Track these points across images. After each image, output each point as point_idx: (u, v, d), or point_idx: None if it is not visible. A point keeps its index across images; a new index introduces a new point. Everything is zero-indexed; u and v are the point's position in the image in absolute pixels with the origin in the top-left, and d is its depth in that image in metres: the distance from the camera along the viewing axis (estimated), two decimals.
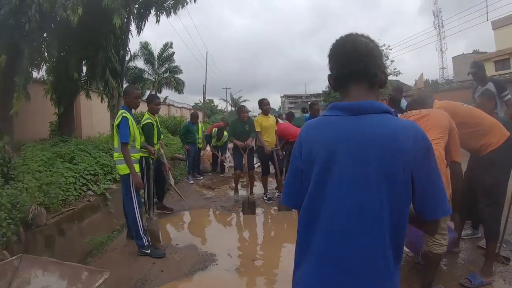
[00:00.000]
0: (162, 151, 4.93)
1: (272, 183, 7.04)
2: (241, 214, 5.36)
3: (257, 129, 5.92)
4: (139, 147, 3.95)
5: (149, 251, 3.67)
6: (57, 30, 6.97)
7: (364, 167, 1.03)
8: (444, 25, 34.83)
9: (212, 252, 3.77)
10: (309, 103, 8.17)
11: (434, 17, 35.81)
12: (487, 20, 19.41)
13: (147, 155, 4.29)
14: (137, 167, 3.77)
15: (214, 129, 9.55)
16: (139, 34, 9.13)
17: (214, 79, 76.39)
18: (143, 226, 3.74)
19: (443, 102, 3.19)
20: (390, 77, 33.07)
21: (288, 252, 3.86)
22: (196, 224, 5.13)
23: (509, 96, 4.45)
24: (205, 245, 4.07)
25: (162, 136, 5.23)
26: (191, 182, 8.01)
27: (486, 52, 22.12)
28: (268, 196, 6.09)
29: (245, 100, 51.69)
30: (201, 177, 8.59)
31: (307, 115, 8.18)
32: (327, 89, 32.49)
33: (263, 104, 6.09)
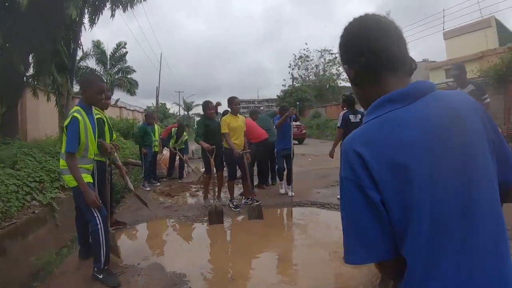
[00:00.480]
0: (116, 153, 4.18)
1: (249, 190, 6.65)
2: (207, 224, 4.91)
3: (224, 130, 5.51)
4: (92, 156, 3.20)
5: (101, 277, 3.04)
6: (2, 15, 6.20)
7: (468, 159, 0.80)
8: None
9: (182, 272, 3.28)
10: (279, 106, 7.99)
11: None
12: (443, 30, 20.64)
13: (102, 158, 3.72)
14: (87, 178, 3.10)
15: (173, 128, 9.00)
16: (92, 28, 8.45)
17: (167, 82, 75.20)
18: (105, 246, 3.10)
19: None
20: (343, 84, 34.41)
21: (265, 265, 3.58)
22: (158, 238, 4.59)
23: (488, 100, 4.64)
24: (172, 263, 3.56)
25: (115, 136, 4.57)
26: (148, 189, 7.41)
27: (435, 61, 23.37)
28: (234, 203, 5.68)
29: (198, 104, 51.30)
30: (158, 184, 8.00)
31: (265, 116, 7.95)
32: (281, 94, 32.78)
33: (234, 103, 5.69)
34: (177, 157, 8.81)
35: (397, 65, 0.89)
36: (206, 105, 5.92)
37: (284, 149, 6.64)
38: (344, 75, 33.62)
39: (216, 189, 5.79)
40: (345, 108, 5.92)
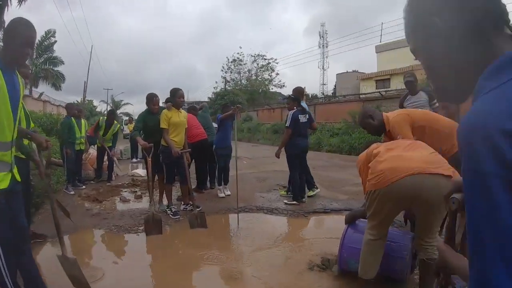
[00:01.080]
0: (34, 145, 3.14)
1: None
2: (144, 235, 4.25)
3: (164, 125, 4.94)
4: (9, 139, 2.08)
5: None
6: None
7: None
8: (328, 46, 38.50)
9: None
10: (223, 104, 7.54)
11: (320, 38, 39.41)
12: (380, 42, 21.95)
13: (20, 154, 2.90)
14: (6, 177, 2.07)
15: (101, 118, 8.15)
16: (20, 5, 7.27)
17: (95, 79, 70.83)
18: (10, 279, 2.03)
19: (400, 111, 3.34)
20: (275, 89, 35.12)
21: (211, 280, 3.17)
22: (85, 253, 3.83)
23: (437, 104, 4.75)
24: (102, 283, 2.96)
25: (32, 125, 3.70)
26: (72, 193, 6.52)
27: (364, 72, 24.71)
28: (173, 209, 5.08)
29: (127, 103, 49.18)
30: (84, 187, 7.10)
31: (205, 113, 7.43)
32: (213, 96, 32.45)
33: (177, 95, 5.12)
34: (106, 156, 7.92)
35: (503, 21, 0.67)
36: (151, 98, 5.30)
37: (225, 148, 6.31)
38: (276, 81, 34.25)
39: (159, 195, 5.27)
40: (295, 108, 5.66)
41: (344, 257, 2.93)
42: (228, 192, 6.33)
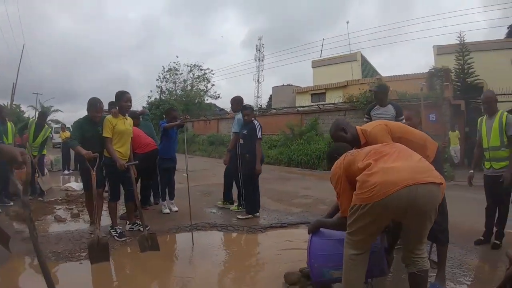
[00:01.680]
0: None
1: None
2: (88, 262, 3.57)
3: (107, 133, 4.34)
4: None
5: None
6: None
7: None
8: (264, 59, 39.20)
9: None
10: (168, 108, 6.92)
11: (256, 51, 39.94)
12: (320, 57, 22.78)
13: None
14: None
15: (30, 119, 7.21)
16: None
17: (24, 83, 64.30)
18: None
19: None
20: (210, 100, 34.81)
21: None
22: None
23: (404, 120, 4.73)
24: None
25: None
26: None
27: (300, 86, 25.52)
28: (118, 230, 4.47)
29: (57, 110, 45.23)
30: (11, 203, 6.12)
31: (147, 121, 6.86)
32: (147, 106, 31.38)
33: (123, 99, 4.54)
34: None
35: None
36: (94, 104, 4.49)
37: (169, 159, 5.87)
38: (211, 92, 33.99)
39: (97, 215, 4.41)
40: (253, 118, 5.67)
41: (315, 268, 2.78)
42: (175, 208, 5.86)
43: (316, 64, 23.86)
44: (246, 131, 5.66)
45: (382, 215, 2.23)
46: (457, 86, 15.35)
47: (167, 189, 5.96)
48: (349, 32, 41.90)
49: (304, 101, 20.98)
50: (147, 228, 4.33)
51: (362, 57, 22.29)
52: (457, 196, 6.42)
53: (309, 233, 2.96)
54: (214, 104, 34.57)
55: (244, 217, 5.56)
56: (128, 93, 4.62)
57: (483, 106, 4.48)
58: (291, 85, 27.95)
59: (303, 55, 65.03)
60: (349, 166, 2.47)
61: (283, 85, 27.77)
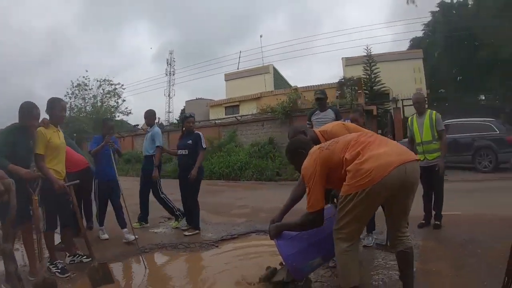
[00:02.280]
0: None
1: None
2: None
3: (40, 149, 3.64)
4: None
5: None
6: None
7: None
8: (175, 73, 38.51)
9: None
10: (104, 119, 6.26)
11: (167, 65, 39.07)
12: (238, 69, 22.98)
13: None
14: None
15: None
16: None
17: None
18: None
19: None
20: (121, 116, 32.91)
21: None
22: None
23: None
24: None
25: None
26: None
27: (213, 99, 25.58)
28: (60, 265, 3.84)
29: None
30: None
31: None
32: None
33: (57, 108, 3.89)
34: None
35: None
36: (29, 110, 3.66)
37: (108, 181, 5.13)
38: (122, 108, 32.24)
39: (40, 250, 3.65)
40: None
41: (295, 267, 2.81)
42: (132, 237, 4.87)
43: (229, 77, 24.20)
44: (190, 141, 5.48)
45: (380, 194, 2.39)
46: (366, 93, 16.95)
47: (103, 215, 5.32)
48: (262, 45, 43.36)
49: (219, 115, 21.05)
50: (89, 259, 3.86)
51: (274, 69, 23.29)
52: None
53: (272, 239, 2.99)
54: (126, 121, 32.71)
55: (192, 233, 5.33)
56: (63, 100, 4.05)
57: (414, 106, 5.06)
58: (202, 98, 27.82)
59: (215, 69, 65.38)
60: (329, 159, 2.57)
61: (196, 98, 27.44)
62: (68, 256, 4.21)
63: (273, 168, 13.81)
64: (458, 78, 26.13)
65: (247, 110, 19.12)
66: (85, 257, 4.13)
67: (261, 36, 48.80)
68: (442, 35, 22.19)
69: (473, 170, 11.43)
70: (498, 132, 11.19)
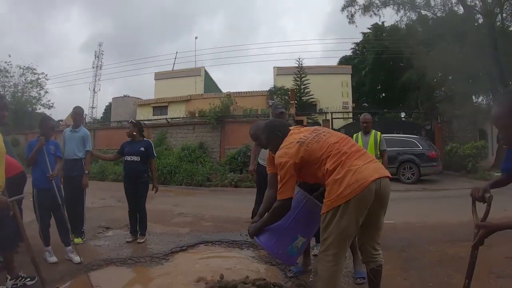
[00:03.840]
0: None
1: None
2: None
3: None
4: None
5: None
6: None
7: None
8: (102, 67, 35.94)
9: None
10: (41, 118, 5.32)
11: (95, 58, 36.10)
12: (172, 70, 22.11)
13: None
14: None
15: None
16: None
17: None
18: None
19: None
20: (42, 109, 29.83)
21: None
22: None
23: None
24: None
25: None
26: None
27: (140, 98, 24.60)
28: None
29: None
30: None
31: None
32: None
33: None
34: None
35: None
36: None
37: (48, 190, 4.50)
38: (45, 100, 29.31)
39: None
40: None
41: (281, 254, 2.92)
42: (77, 258, 4.48)
43: (159, 77, 23.42)
44: (143, 148, 5.39)
45: (361, 206, 2.51)
46: (295, 103, 17.65)
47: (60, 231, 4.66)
48: (196, 47, 42.62)
49: (147, 114, 20.32)
50: (33, 281, 3.58)
51: (206, 73, 23.14)
52: None
53: (252, 238, 3.02)
54: (49, 116, 29.53)
55: (143, 240, 5.38)
56: (4, 97, 3.63)
57: (361, 125, 5.50)
58: (128, 96, 26.56)
59: (145, 68, 62.47)
60: (307, 157, 2.68)
61: (124, 96, 25.92)
62: (9, 280, 3.75)
63: (204, 173, 13.78)
64: (382, 95, 28.60)
65: (176, 111, 18.78)
66: (29, 279, 3.76)
67: (196, 38, 48.06)
68: (371, 54, 23.77)
69: (397, 181, 12.66)
70: (421, 148, 12.88)
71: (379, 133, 5.42)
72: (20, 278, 3.77)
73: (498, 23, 15.98)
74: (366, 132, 5.42)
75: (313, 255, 4.46)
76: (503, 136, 1.85)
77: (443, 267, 4.00)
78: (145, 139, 5.58)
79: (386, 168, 5.13)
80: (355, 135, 5.51)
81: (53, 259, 4.48)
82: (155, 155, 5.45)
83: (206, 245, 5.31)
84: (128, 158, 5.41)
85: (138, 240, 5.35)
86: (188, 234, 5.98)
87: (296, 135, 2.87)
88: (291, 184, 2.67)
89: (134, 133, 5.45)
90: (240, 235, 5.78)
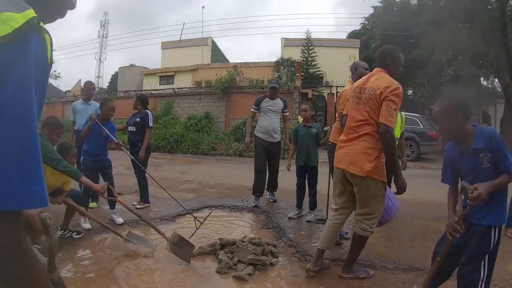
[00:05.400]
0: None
1: None
2: None
3: None
4: None
5: None
6: None
7: None
8: (108, 37, 36.00)
9: None
10: (102, 100, 5.80)
11: (101, 27, 36.24)
12: (179, 40, 22.07)
13: None
14: None
15: None
16: None
17: None
18: None
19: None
20: (51, 81, 29.93)
21: None
22: None
23: (287, 113, 5.82)
24: None
25: None
26: None
27: (147, 68, 24.62)
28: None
29: None
30: None
31: None
32: None
33: None
34: None
35: None
36: None
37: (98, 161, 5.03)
38: (51, 70, 29.34)
39: None
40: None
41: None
42: (120, 220, 5.02)
43: (166, 46, 23.34)
44: (139, 119, 5.64)
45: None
46: (302, 75, 17.67)
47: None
48: (204, 16, 41.74)
49: (154, 83, 20.55)
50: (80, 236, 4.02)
51: (213, 42, 23.03)
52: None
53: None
54: (57, 87, 29.78)
55: (142, 206, 5.60)
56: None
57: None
58: (134, 65, 26.58)
59: (153, 39, 61.72)
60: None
61: (130, 65, 25.93)
62: (59, 230, 4.12)
63: (209, 142, 14.15)
64: None
65: (182, 81, 18.92)
66: (75, 233, 4.20)
67: (203, 7, 46.99)
68: (380, 29, 23.25)
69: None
70: (422, 126, 12.93)
71: (402, 113, 5.19)
72: (68, 231, 4.23)
73: (510, 8, 15.73)
74: None
75: (306, 221, 4.99)
76: (439, 128, 2.28)
77: (423, 240, 4.38)
78: (145, 110, 5.75)
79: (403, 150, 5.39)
80: None
81: (120, 220, 5.03)
82: (151, 125, 5.64)
83: (210, 209, 5.57)
84: (129, 128, 5.79)
85: (136, 206, 5.55)
86: (194, 199, 6.39)
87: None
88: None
89: (138, 107, 5.77)
90: (241, 200, 6.22)
